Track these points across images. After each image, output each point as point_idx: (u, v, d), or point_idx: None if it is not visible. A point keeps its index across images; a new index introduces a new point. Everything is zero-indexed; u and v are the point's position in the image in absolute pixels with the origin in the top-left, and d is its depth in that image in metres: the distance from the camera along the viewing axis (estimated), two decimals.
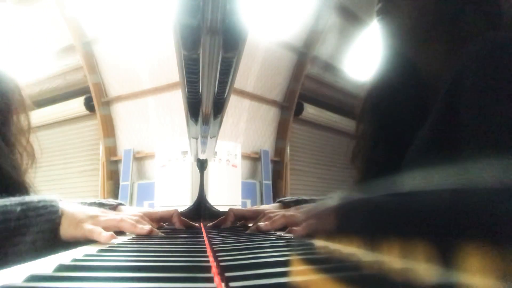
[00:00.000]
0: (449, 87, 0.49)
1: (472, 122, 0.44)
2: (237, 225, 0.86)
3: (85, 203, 0.74)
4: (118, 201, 0.81)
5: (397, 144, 0.62)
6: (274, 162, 5.19)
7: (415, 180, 0.10)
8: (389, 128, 0.64)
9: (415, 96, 0.62)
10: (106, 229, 0.52)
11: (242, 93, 4.57)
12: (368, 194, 0.13)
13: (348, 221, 0.15)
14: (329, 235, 0.17)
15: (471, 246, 0.08)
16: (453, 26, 0.56)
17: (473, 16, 0.54)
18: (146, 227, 0.59)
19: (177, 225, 0.81)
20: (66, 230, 0.50)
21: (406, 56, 0.63)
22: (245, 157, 4.76)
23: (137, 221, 0.60)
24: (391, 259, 0.11)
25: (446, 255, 0.09)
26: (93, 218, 0.54)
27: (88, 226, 0.51)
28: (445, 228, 0.09)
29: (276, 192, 4.98)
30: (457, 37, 0.55)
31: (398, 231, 0.11)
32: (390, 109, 0.65)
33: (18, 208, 0.46)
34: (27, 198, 0.49)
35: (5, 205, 0.46)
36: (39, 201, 0.49)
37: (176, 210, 0.83)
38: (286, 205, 0.87)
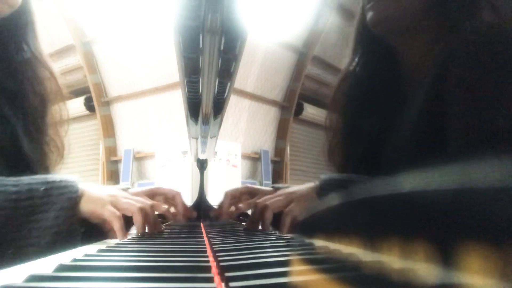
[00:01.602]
0: (434, 78, 0.49)
1: (459, 113, 0.43)
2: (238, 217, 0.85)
3: None
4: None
5: (375, 136, 0.61)
6: (274, 162, 5.19)
7: (411, 179, 0.10)
8: (369, 120, 0.63)
9: (397, 87, 0.62)
10: (123, 210, 0.56)
11: (242, 93, 4.57)
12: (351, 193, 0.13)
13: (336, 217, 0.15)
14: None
15: (471, 246, 0.08)
16: (439, 14, 0.55)
17: (458, 5, 0.54)
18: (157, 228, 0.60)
19: (179, 207, 0.77)
20: (85, 206, 0.53)
21: (391, 44, 0.62)
22: (245, 157, 4.76)
23: (153, 220, 0.60)
24: (391, 259, 0.11)
25: (446, 255, 0.09)
26: (113, 197, 0.56)
27: (110, 208, 0.54)
28: (445, 228, 0.09)
29: None
30: (442, 28, 0.55)
31: (397, 230, 0.11)
32: (367, 99, 0.63)
33: (42, 187, 0.50)
34: (49, 178, 0.52)
35: (30, 183, 0.49)
36: (60, 181, 0.52)
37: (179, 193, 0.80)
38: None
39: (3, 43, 0.62)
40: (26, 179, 0.50)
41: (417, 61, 0.58)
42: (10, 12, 0.59)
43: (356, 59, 0.68)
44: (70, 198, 0.51)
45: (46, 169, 0.66)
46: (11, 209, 0.46)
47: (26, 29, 0.66)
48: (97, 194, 0.55)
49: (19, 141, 0.60)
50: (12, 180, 0.49)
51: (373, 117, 0.62)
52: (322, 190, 0.62)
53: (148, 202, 0.61)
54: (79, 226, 0.52)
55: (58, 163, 0.69)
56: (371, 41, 0.64)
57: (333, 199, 0.15)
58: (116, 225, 0.53)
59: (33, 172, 0.58)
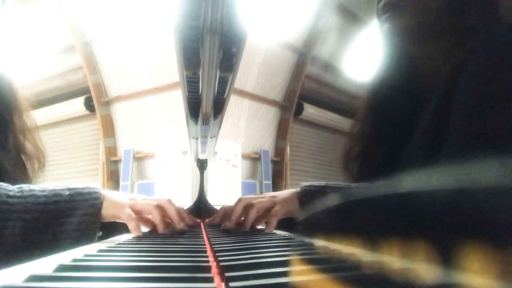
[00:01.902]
0: (443, 87, 0.48)
1: (461, 122, 0.43)
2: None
3: None
4: None
5: (397, 145, 0.61)
6: (274, 162, 5.19)
7: (414, 180, 0.10)
8: (390, 129, 0.63)
9: (416, 96, 0.62)
10: (141, 212, 0.60)
11: (242, 93, 4.57)
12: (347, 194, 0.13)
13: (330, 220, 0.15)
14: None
15: (471, 246, 0.08)
16: (457, 23, 0.55)
17: (476, 14, 0.53)
18: (180, 225, 0.61)
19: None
20: (107, 211, 0.56)
21: (409, 55, 0.62)
22: (245, 157, 4.76)
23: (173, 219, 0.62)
24: (391, 259, 0.11)
25: (446, 255, 0.09)
26: (131, 201, 0.60)
27: (127, 211, 0.57)
28: (445, 228, 0.09)
29: None
30: (460, 36, 0.54)
31: (397, 230, 0.11)
32: (392, 109, 0.64)
33: (67, 192, 0.53)
34: (72, 185, 0.55)
35: (55, 189, 0.53)
36: (84, 188, 0.55)
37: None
38: None
39: None
40: (50, 186, 0.54)
41: (437, 69, 0.57)
42: None
43: (381, 69, 0.68)
44: (93, 204, 0.54)
45: (27, 178, 0.68)
46: (39, 212, 0.50)
47: None
48: (117, 199, 0.58)
49: None
50: (38, 186, 0.53)
51: (397, 127, 0.62)
52: (303, 196, 0.66)
53: (166, 199, 0.64)
54: (98, 230, 0.55)
55: (40, 171, 0.70)
56: (392, 51, 0.64)
57: (332, 200, 0.15)
58: (131, 225, 0.57)
59: (13, 181, 0.60)
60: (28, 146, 0.69)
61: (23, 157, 0.68)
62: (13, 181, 0.59)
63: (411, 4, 0.56)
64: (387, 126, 0.64)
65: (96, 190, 0.56)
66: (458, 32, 0.54)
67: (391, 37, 0.60)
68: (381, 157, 0.64)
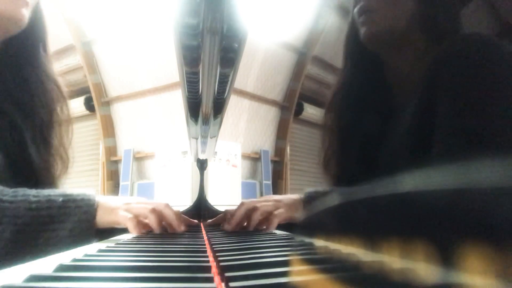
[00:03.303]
0: (423, 87, 0.50)
1: (446, 121, 0.45)
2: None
3: None
4: None
5: (368, 143, 0.63)
6: (274, 162, 5.19)
7: (415, 181, 0.10)
8: (358, 127, 0.65)
9: (383, 95, 0.64)
10: (137, 216, 0.58)
11: (242, 93, 4.56)
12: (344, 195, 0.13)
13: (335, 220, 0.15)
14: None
15: (471, 246, 0.08)
16: (427, 28, 0.58)
17: (444, 20, 0.57)
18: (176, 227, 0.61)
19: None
20: (101, 218, 0.55)
21: (382, 57, 0.64)
22: (245, 157, 4.76)
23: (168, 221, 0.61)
24: (391, 259, 0.11)
25: (446, 255, 0.09)
26: (126, 205, 0.59)
27: (123, 213, 0.57)
28: (445, 228, 0.09)
29: (276, 192, 4.98)
30: (430, 40, 0.57)
31: (397, 230, 0.11)
32: (360, 109, 0.66)
33: (60, 199, 0.53)
34: (67, 191, 0.55)
35: (49, 195, 0.53)
36: (78, 194, 0.55)
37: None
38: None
39: (16, 59, 0.64)
40: (45, 191, 0.53)
41: (408, 72, 0.60)
42: (19, 32, 0.61)
43: (348, 70, 0.70)
44: (87, 211, 0.54)
45: (51, 179, 0.68)
46: (30, 217, 0.49)
47: (38, 46, 0.67)
48: (111, 204, 0.57)
49: (27, 149, 0.61)
50: (33, 191, 0.53)
51: (367, 126, 0.64)
52: (307, 202, 0.67)
53: (163, 203, 0.63)
54: (93, 237, 0.55)
55: (63, 174, 0.70)
56: (361, 53, 0.66)
57: (333, 200, 0.15)
58: (130, 225, 0.56)
59: (38, 180, 0.61)
60: (60, 149, 0.69)
61: (51, 158, 0.68)
62: (40, 182, 0.60)
63: (383, 9, 0.59)
64: (360, 125, 0.65)
65: (90, 197, 0.55)
66: (428, 37, 0.58)
67: (366, 41, 0.62)
68: (354, 157, 0.66)
